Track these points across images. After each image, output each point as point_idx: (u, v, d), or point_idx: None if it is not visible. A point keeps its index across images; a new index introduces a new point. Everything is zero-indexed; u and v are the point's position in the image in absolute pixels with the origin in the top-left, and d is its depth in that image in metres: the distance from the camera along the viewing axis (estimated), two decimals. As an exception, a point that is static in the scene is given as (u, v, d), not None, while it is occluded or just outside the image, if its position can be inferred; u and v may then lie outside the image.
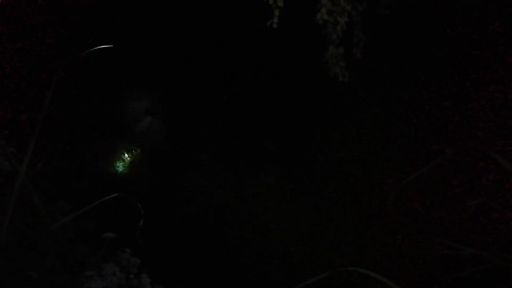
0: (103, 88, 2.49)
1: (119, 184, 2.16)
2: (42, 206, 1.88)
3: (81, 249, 1.85)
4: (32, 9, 2.29)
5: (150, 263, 1.82)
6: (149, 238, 2.15)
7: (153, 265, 1.83)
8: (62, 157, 2.21)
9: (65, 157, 2.21)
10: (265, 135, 2.56)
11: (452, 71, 2.49)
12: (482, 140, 2.25)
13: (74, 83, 2.38)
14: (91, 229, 1.93)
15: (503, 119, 2.30)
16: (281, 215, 2.36)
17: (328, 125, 2.55)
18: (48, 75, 2.23)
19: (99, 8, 2.43)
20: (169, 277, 1.83)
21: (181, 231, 2.27)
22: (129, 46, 2.50)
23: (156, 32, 2.48)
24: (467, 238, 2.02)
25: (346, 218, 2.27)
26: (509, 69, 2.43)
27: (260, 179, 2.46)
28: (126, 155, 2.11)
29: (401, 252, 2.06)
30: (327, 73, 2.46)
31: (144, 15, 2.52)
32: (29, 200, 1.88)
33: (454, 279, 1.79)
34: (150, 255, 1.90)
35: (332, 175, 2.43)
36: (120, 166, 2.15)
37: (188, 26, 2.59)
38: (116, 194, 1.65)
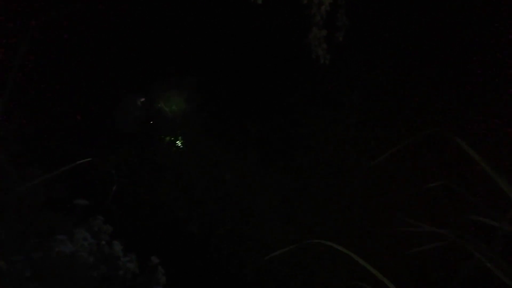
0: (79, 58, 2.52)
1: (95, 152, 2.21)
2: (12, 170, 1.91)
3: (52, 214, 1.89)
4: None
5: (123, 232, 1.88)
6: (124, 208, 2.22)
7: (126, 234, 1.88)
8: (35, 122, 2.24)
9: (38, 122, 2.25)
10: (246, 116, 2.64)
11: (436, 55, 2.60)
12: (466, 123, 2.38)
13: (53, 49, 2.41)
14: (62, 195, 1.97)
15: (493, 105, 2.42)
16: (256, 195, 2.45)
17: (307, 107, 2.65)
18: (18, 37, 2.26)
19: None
20: (142, 246, 1.90)
21: (154, 204, 2.34)
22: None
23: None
24: (427, 217, 2.18)
25: (318, 197, 2.39)
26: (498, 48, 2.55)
27: (237, 159, 2.54)
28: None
29: (365, 228, 2.20)
30: (309, 56, 2.56)
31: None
32: (-1, 165, 1.91)
33: (412, 254, 1.93)
34: (123, 224, 1.96)
35: (308, 156, 2.53)
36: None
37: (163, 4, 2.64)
38: (89, 159, 1.70)
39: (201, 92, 2.63)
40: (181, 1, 2.65)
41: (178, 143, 2.42)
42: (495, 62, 2.56)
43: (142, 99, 2.38)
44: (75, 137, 2.29)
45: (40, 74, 2.33)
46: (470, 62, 2.56)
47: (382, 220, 2.20)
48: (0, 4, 2.22)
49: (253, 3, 2.35)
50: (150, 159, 2.41)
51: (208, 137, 2.57)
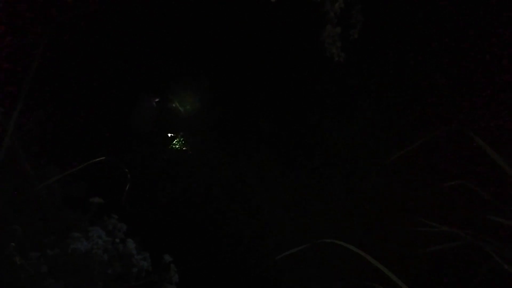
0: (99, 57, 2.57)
1: (110, 150, 2.25)
2: (30, 170, 1.97)
3: (68, 212, 1.94)
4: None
5: (137, 231, 1.91)
6: (138, 207, 2.25)
7: (140, 233, 1.92)
8: (51, 121, 2.29)
9: (55, 121, 2.30)
10: (260, 115, 2.65)
11: (454, 54, 2.55)
12: (482, 120, 2.34)
13: (72, 47, 2.45)
14: (79, 194, 2.02)
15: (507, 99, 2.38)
16: (270, 193, 2.46)
17: (321, 106, 2.64)
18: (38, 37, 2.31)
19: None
20: (156, 245, 1.93)
21: (168, 204, 2.37)
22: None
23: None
24: (444, 217, 2.15)
25: (332, 196, 2.39)
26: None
27: (251, 158, 2.56)
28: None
29: (379, 228, 2.18)
30: (323, 54, 2.55)
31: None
32: (17, 163, 1.97)
33: (426, 254, 1.92)
34: (137, 222, 2.00)
35: (323, 155, 2.53)
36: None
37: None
38: (103, 158, 1.74)
39: (215, 91, 2.65)
40: (194, 0, 2.67)
41: (179, 144, 2.45)
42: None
43: (157, 99, 2.42)
44: (91, 136, 2.34)
45: (56, 74, 2.38)
46: (487, 58, 2.52)
47: (397, 220, 2.18)
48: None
49: (266, 1, 2.35)
50: (164, 158, 2.44)
51: (222, 136, 2.59)
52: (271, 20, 2.71)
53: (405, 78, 2.59)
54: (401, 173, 2.33)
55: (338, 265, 2.17)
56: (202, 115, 2.61)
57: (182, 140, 2.49)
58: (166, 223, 2.30)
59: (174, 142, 2.51)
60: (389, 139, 2.48)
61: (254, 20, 2.70)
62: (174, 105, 2.55)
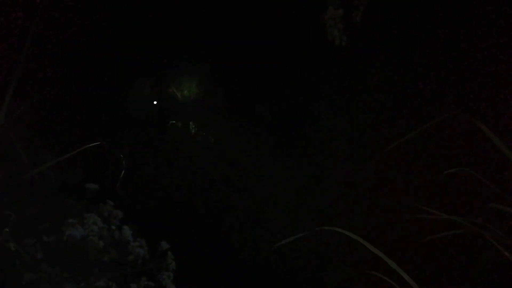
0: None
1: (105, 135, 2.23)
2: (24, 155, 1.95)
3: (64, 199, 1.93)
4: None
5: (133, 218, 1.90)
6: (134, 193, 2.24)
7: (136, 220, 1.91)
8: (45, 106, 2.27)
9: (48, 106, 2.27)
10: (259, 101, 2.62)
11: (461, 40, 2.52)
12: (487, 110, 2.32)
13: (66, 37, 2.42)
14: (74, 180, 2.01)
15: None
16: (269, 180, 2.45)
17: (323, 92, 2.61)
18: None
19: None
20: (153, 232, 1.92)
21: (165, 190, 2.36)
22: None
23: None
24: (444, 204, 2.15)
25: (332, 183, 2.37)
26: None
27: (250, 144, 2.54)
28: None
29: (380, 216, 2.18)
30: (324, 36, 2.51)
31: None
32: (11, 149, 1.95)
33: (426, 242, 1.91)
34: (133, 209, 1.99)
35: (323, 142, 2.51)
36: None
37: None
38: (98, 143, 1.72)
39: (213, 77, 2.62)
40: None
41: (190, 127, 2.43)
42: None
43: (152, 84, 2.39)
44: (86, 121, 2.32)
45: (49, 58, 2.35)
46: (491, 45, 2.48)
47: (397, 208, 2.17)
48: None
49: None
50: (160, 144, 2.42)
51: (220, 122, 2.57)
52: (271, 2, 2.66)
53: (410, 63, 2.55)
54: (401, 161, 2.31)
55: (338, 253, 2.17)
56: (201, 101, 2.58)
57: (182, 125, 2.47)
58: (163, 209, 2.29)
59: (175, 126, 2.48)
60: (391, 125, 2.46)
61: (253, 3, 2.65)
62: (171, 90, 2.52)
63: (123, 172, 1.87)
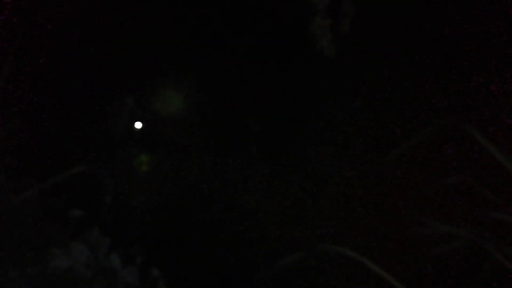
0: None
1: (88, 159, 2.16)
2: (5, 181, 1.88)
3: (47, 226, 1.86)
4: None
5: (121, 242, 1.84)
6: (121, 216, 2.17)
7: (125, 244, 1.84)
8: (25, 129, 2.20)
9: (28, 129, 2.20)
10: (249, 115, 2.58)
11: (451, 47, 2.51)
12: (481, 119, 2.30)
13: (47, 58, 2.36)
14: (58, 206, 1.94)
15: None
16: (262, 197, 2.39)
17: (314, 103, 2.57)
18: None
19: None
20: (143, 255, 1.86)
21: (154, 211, 2.29)
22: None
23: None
24: (445, 215, 2.11)
25: (329, 199, 2.32)
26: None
27: (241, 159, 2.48)
28: None
29: (379, 230, 2.14)
30: (313, 47, 2.47)
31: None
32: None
33: (427, 256, 1.88)
34: (121, 233, 1.92)
35: (317, 155, 2.47)
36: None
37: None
38: (81, 167, 1.65)
39: (200, 91, 2.57)
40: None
41: (177, 146, 2.37)
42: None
43: (133, 100, 2.32)
44: (67, 143, 2.25)
45: (26, 78, 2.28)
46: (487, 48, 2.46)
47: (397, 221, 2.13)
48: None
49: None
50: (146, 163, 2.36)
51: (209, 137, 2.51)
52: (258, 13, 2.62)
53: (402, 71, 2.52)
54: (400, 172, 2.28)
55: (337, 271, 2.11)
56: (187, 115, 2.53)
57: (168, 143, 2.41)
58: (153, 230, 2.22)
59: (161, 143, 2.42)
60: (386, 135, 2.42)
61: (240, 15, 2.61)
62: (155, 106, 2.46)
63: (109, 196, 1.80)
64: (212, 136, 2.53)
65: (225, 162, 2.48)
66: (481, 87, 2.43)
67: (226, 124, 2.55)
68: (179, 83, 2.60)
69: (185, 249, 2.22)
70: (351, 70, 2.59)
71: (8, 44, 2.19)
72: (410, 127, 2.41)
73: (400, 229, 1.99)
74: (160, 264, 1.79)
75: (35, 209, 1.91)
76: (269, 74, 2.65)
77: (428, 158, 2.32)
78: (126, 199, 2.16)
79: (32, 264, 1.74)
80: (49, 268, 1.70)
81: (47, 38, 2.35)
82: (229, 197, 2.39)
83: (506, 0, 2.44)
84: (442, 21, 2.56)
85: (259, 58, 2.66)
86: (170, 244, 2.21)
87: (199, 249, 2.22)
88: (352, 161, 2.39)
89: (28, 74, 2.26)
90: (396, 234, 2.10)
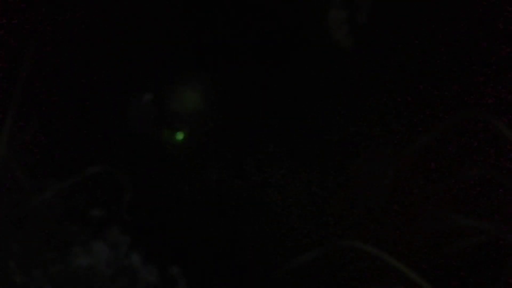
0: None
1: (108, 156, 2.19)
2: (27, 183, 1.92)
3: (69, 227, 1.89)
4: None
5: (142, 241, 1.86)
6: (141, 215, 2.20)
7: (145, 243, 1.87)
8: (45, 131, 2.24)
9: (49, 130, 2.24)
10: (266, 110, 2.57)
11: (471, 39, 2.46)
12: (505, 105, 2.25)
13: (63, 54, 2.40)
14: (79, 206, 1.97)
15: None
16: (281, 193, 2.40)
17: (332, 97, 2.55)
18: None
19: None
20: (163, 257, 1.88)
21: (174, 209, 2.32)
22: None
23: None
24: (466, 209, 2.08)
25: (349, 193, 2.31)
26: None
27: (259, 155, 2.49)
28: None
29: (398, 225, 2.12)
30: (329, 40, 2.45)
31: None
32: (12, 176, 1.92)
33: (450, 252, 1.85)
34: (142, 232, 1.94)
35: (335, 151, 2.45)
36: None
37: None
38: (100, 168, 1.68)
39: (217, 87, 2.57)
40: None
41: (194, 141, 2.38)
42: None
43: (151, 97, 2.34)
44: (87, 143, 2.28)
45: (45, 79, 2.32)
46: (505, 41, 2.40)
47: (418, 216, 2.11)
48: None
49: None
50: (165, 160, 2.38)
51: (227, 133, 2.52)
52: (273, 8, 2.61)
53: (420, 64, 2.49)
54: (419, 166, 2.25)
55: (357, 267, 2.10)
56: (206, 113, 2.54)
57: (187, 139, 2.42)
58: (172, 229, 2.25)
59: (179, 140, 2.44)
60: (403, 130, 2.39)
61: (256, 10, 2.61)
62: (173, 103, 2.48)
63: (128, 195, 1.82)
64: (231, 134, 2.54)
65: (244, 160, 2.49)
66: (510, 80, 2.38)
67: (245, 122, 2.56)
68: (197, 81, 2.62)
69: (204, 247, 2.24)
70: (370, 62, 2.56)
71: (26, 44, 2.23)
72: (431, 119, 2.37)
73: (422, 224, 1.97)
74: (180, 262, 1.80)
75: (56, 209, 1.95)
76: (288, 71, 2.65)
77: (450, 150, 2.28)
78: (145, 197, 2.18)
79: (55, 263, 1.78)
80: (71, 267, 1.73)
81: (66, 37, 2.39)
82: (248, 195, 2.40)
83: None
84: (466, 10, 2.51)
85: (278, 55, 2.66)
86: (189, 242, 2.23)
87: (218, 247, 2.24)
88: (371, 156, 2.37)
89: (47, 75, 2.30)
90: (418, 229, 2.08)
